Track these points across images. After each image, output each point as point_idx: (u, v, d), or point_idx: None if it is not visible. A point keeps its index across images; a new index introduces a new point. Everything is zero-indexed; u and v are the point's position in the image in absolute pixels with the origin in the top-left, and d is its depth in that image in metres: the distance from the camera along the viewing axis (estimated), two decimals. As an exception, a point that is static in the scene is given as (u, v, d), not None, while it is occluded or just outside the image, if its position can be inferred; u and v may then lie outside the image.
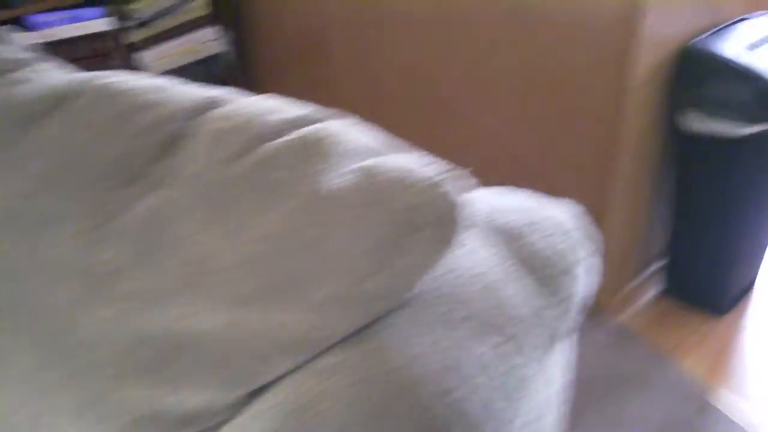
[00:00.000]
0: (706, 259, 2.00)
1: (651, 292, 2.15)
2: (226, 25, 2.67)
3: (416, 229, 0.82)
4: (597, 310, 2.07)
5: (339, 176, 0.86)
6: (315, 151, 0.90)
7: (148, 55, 2.54)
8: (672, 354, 1.97)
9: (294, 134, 0.94)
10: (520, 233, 0.93)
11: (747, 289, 2.15)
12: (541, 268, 0.92)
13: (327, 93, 2.54)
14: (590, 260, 0.99)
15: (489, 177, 2.32)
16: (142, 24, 2.51)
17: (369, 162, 0.88)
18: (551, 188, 2.00)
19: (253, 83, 2.87)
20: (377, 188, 0.84)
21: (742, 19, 1.95)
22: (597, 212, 1.90)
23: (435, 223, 0.83)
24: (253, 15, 2.71)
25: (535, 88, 1.91)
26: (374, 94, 2.36)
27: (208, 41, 2.65)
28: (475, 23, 1.96)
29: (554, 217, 0.96)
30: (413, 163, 0.87)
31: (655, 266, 2.20)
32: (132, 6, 2.48)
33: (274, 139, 0.95)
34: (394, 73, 2.26)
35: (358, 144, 0.92)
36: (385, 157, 0.90)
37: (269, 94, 1.08)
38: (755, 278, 2.18)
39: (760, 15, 1.97)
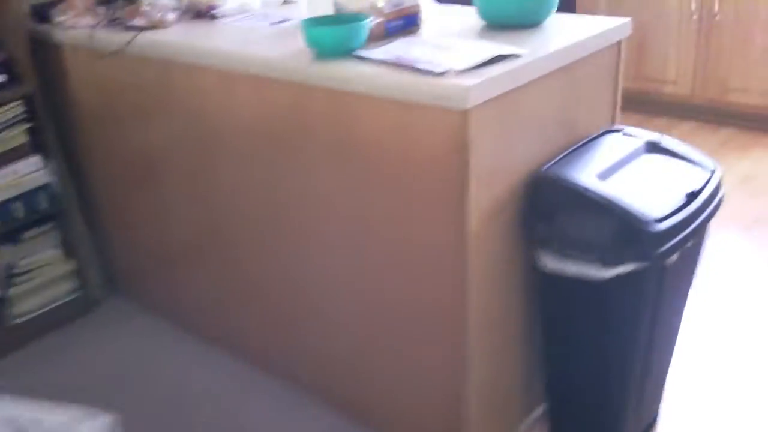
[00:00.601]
0: (583, 405, 1.70)
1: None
2: (50, 154, 2.33)
3: None
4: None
5: None
6: None
7: (-46, 196, 2.18)
8: None
9: None
10: None
11: (644, 432, 1.85)
12: None
13: (160, 219, 2.22)
14: None
15: (319, 338, 1.93)
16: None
17: None
18: (399, 343, 1.69)
19: (88, 212, 2.53)
20: None
21: (604, 134, 1.72)
22: (455, 366, 1.59)
23: None
24: (82, 141, 2.40)
25: (371, 233, 1.62)
26: (206, 222, 2.05)
27: (30, 173, 2.30)
28: (301, 157, 1.68)
29: None
30: None
31: (537, 413, 1.89)
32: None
33: None
34: (226, 203, 1.96)
35: None
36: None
37: None
38: (652, 421, 1.88)
39: (620, 129, 1.74)
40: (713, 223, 1.58)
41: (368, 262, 1.66)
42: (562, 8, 1.76)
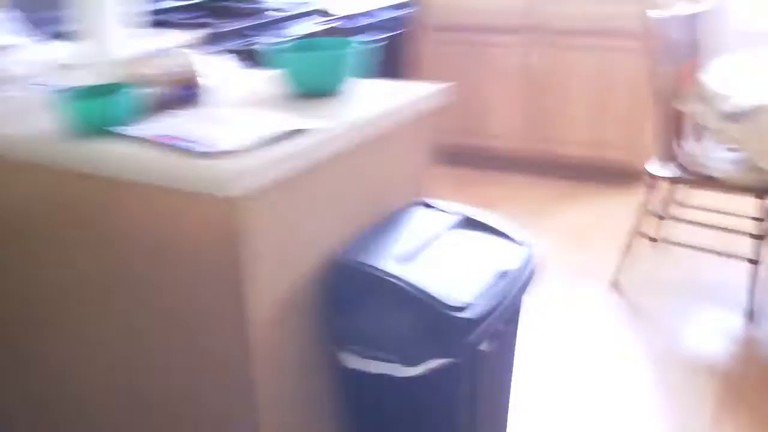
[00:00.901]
0: None
1: None
2: None
3: None
4: None
5: None
6: None
7: None
8: None
9: None
10: None
11: None
12: None
13: None
14: None
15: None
16: None
17: None
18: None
19: None
20: None
21: (412, 207, 1.58)
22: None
23: None
24: None
25: (144, 339, 1.36)
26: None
27: None
28: (61, 249, 1.41)
29: None
30: None
31: None
32: None
33: None
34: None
35: None
36: None
37: None
38: None
39: (429, 202, 1.61)
40: (541, 277, 1.47)
41: (144, 371, 1.40)
42: (388, 64, 1.60)
